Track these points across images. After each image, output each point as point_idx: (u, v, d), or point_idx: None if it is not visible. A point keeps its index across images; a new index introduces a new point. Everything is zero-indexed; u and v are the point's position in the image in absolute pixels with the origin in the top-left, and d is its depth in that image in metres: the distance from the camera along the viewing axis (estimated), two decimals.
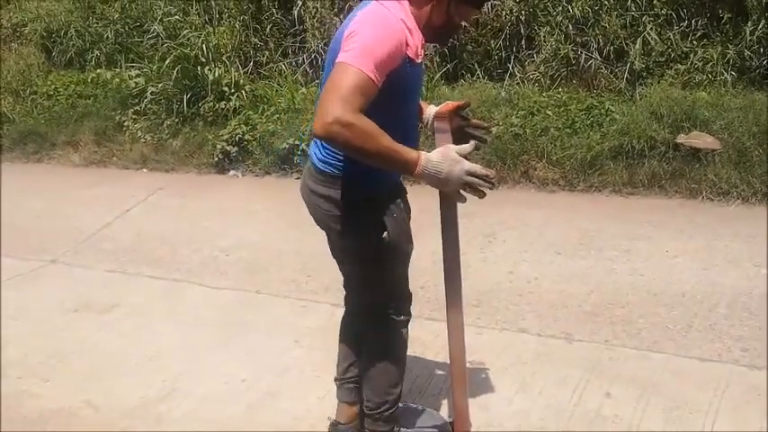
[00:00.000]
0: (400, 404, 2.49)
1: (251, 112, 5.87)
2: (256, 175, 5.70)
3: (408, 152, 1.81)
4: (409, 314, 2.33)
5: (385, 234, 2.08)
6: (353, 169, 2.01)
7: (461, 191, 1.91)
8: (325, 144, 2.04)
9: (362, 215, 2.08)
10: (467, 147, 1.90)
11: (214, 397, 2.95)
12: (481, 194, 1.90)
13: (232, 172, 5.78)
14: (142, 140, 6.11)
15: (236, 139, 5.70)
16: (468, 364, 2.91)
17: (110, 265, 4.33)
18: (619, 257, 3.87)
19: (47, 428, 2.80)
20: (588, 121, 5.09)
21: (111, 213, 5.08)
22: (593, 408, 2.65)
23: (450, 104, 2.20)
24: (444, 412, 2.66)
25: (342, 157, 2.02)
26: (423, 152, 1.84)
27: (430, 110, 2.33)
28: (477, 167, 1.86)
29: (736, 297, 3.32)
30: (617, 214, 4.47)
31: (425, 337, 3.09)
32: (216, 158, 5.76)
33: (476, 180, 1.86)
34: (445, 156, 1.83)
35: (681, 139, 4.67)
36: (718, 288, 3.42)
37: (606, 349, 3.03)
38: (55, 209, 5.32)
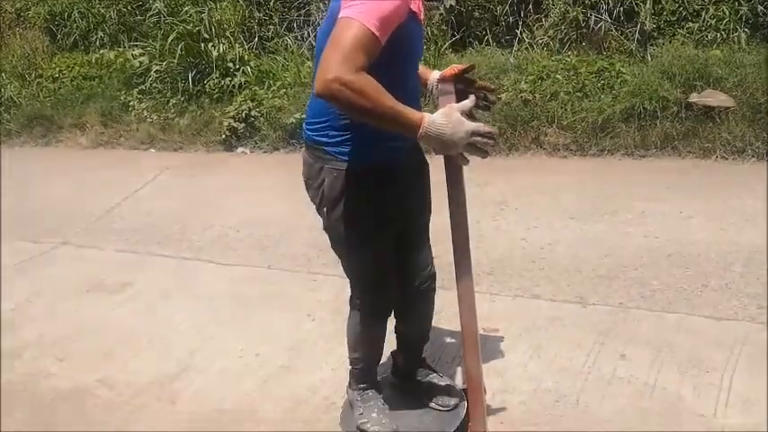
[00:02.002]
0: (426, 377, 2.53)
1: (257, 88, 5.83)
2: (264, 152, 5.67)
3: (412, 113, 1.75)
4: (381, 300, 2.27)
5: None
6: (338, 140, 1.99)
7: (465, 153, 1.86)
8: (312, 113, 2.01)
9: (335, 186, 2.02)
10: (467, 102, 1.85)
11: (229, 372, 2.95)
12: (485, 154, 1.85)
13: (240, 149, 5.75)
14: (148, 120, 6.09)
15: (243, 115, 5.66)
16: (481, 331, 2.90)
17: (121, 245, 4.33)
18: (632, 220, 3.82)
19: (63, 407, 2.82)
20: (599, 84, 5.01)
21: (120, 194, 5.08)
22: (608, 370, 2.63)
23: (455, 68, 2.14)
24: (459, 380, 2.64)
25: (328, 127, 1.99)
26: (426, 113, 1.79)
27: (434, 74, 2.28)
28: (480, 126, 1.80)
29: (752, 255, 3.26)
30: (630, 177, 4.41)
31: (438, 305, 3.04)
32: (223, 136, 5.73)
33: (480, 139, 1.80)
34: (449, 116, 1.78)
35: (694, 98, 4.59)
36: (733, 247, 3.37)
37: (620, 312, 3.00)
38: (65, 191, 5.32)
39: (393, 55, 1.78)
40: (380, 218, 2.09)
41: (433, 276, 2.41)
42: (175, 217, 4.64)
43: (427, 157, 2.25)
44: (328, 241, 2.22)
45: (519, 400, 2.54)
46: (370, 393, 2.43)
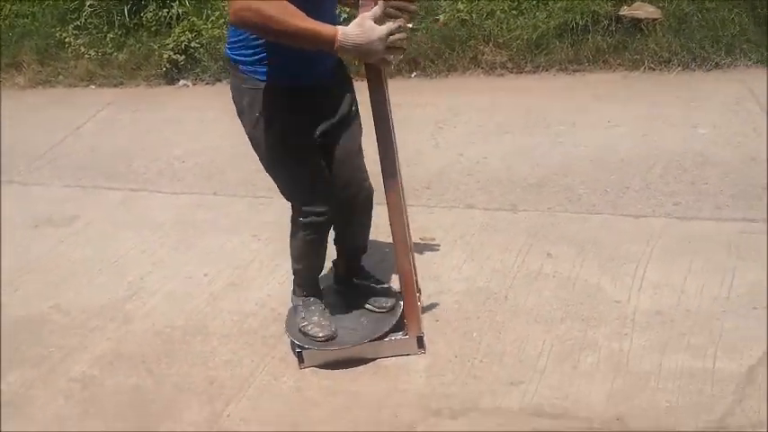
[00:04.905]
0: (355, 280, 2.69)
1: (195, 19, 5.73)
2: (207, 83, 5.63)
3: (325, 29, 1.84)
4: (316, 215, 2.36)
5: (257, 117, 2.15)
6: (253, 59, 2.07)
7: (386, 57, 1.95)
8: (231, 32, 2.09)
9: (254, 106, 2.13)
10: (376, 9, 1.91)
11: (179, 292, 3.07)
12: (402, 52, 1.95)
13: (182, 82, 5.70)
14: (86, 56, 5.96)
15: (182, 47, 5.59)
16: (419, 241, 3.07)
17: (66, 180, 4.34)
18: (564, 132, 3.97)
19: (19, 335, 2.91)
20: (533, 1, 5.08)
21: (62, 131, 5.04)
22: (535, 268, 2.82)
23: None
24: (396, 285, 2.80)
25: (243, 46, 2.06)
26: (340, 27, 1.88)
27: None
28: (390, 26, 1.89)
29: (671, 157, 3.46)
30: (563, 91, 4.55)
31: (376, 220, 3.17)
32: (164, 69, 5.66)
33: (396, 37, 1.90)
34: (361, 26, 1.87)
35: (623, 11, 4.70)
36: (655, 151, 3.55)
37: (549, 216, 3.18)
38: (5, 131, 5.25)
39: None
40: (302, 135, 2.19)
41: (369, 188, 2.52)
42: (120, 151, 4.65)
43: None
44: None
45: (453, 300, 2.73)
46: (312, 300, 2.58)
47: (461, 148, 3.99)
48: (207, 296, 3.00)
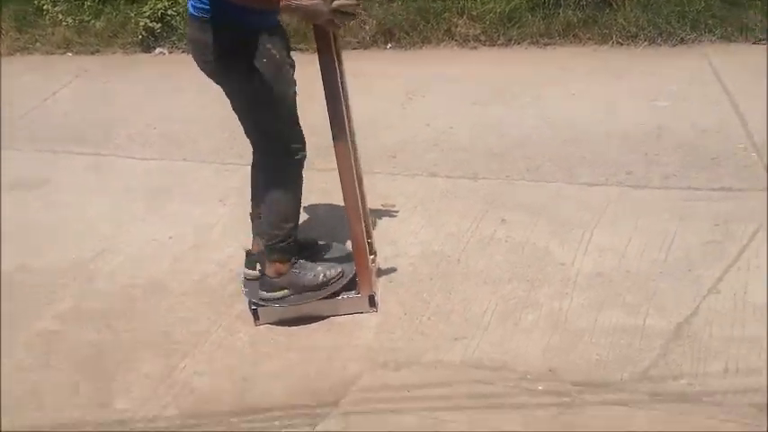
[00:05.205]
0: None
1: None
2: (183, 51, 5.63)
3: None
4: (300, 155, 2.44)
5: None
6: (222, 12, 2.12)
7: (334, 19, 2.00)
8: None
9: (235, 58, 2.18)
10: None
11: (143, 253, 3.14)
12: (352, 17, 2.01)
13: (158, 50, 5.71)
14: (63, 24, 5.95)
15: (159, 14, 5.59)
16: (380, 207, 3.15)
17: (39, 145, 4.37)
18: (530, 103, 4.04)
19: None
20: None
21: (37, 97, 5.06)
22: (489, 233, 2.91)
23: None
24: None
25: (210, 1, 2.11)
26: None
27: None
28: None
29: (630, 129, 3.53)
30: (533, 65, 4.60)
31: (329, 186, 3.18)
32: (140, 36, 5.66)
33: (344, 2, 1.95)
34: None
35: None
36: (615, 123, 3.63)
37: (507, 184, 3.26)
38: None
39: None
40: (280, 74, 2.26)
41: None
42: (94, 117, 4.68)
43: None
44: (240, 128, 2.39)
45: (408, 263, 2.81)
46: (300, 261, 2.57)
47: (429, 119, 4.05)
48: (170, 257, 3.07)
